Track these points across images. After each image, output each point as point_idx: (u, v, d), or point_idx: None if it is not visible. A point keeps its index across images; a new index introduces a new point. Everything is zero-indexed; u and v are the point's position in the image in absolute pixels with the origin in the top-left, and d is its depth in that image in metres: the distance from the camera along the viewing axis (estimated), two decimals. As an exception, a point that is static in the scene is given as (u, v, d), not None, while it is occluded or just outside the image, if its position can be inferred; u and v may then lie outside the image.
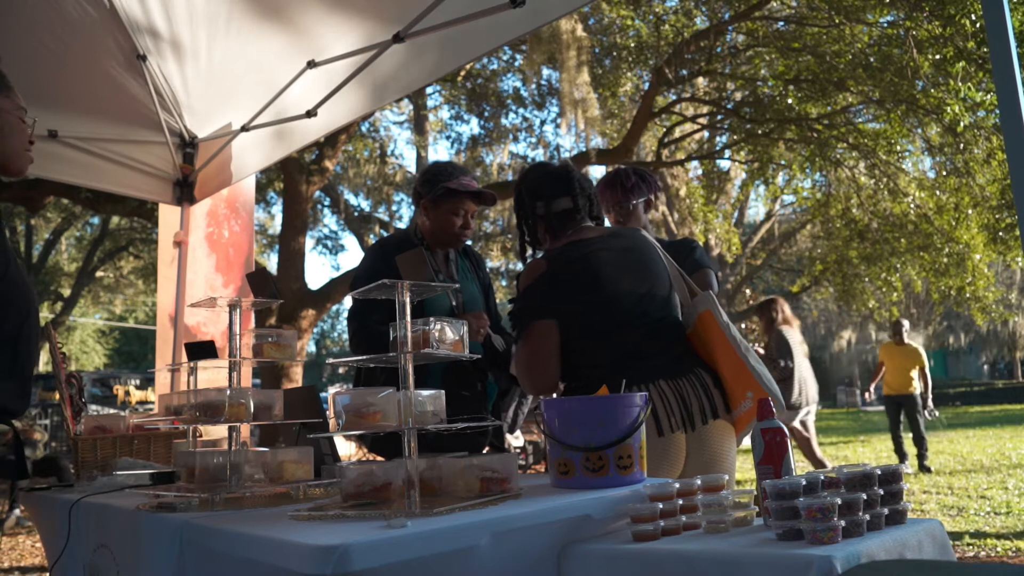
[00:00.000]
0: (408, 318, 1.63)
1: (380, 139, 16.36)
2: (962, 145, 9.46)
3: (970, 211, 10.16)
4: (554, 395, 2.30)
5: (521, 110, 15.69)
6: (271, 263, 16.64)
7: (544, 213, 2.33)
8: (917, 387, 8.93)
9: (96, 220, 19.28)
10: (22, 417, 2.20)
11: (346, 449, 10.19)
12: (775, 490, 1.40)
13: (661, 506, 1.53)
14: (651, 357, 2.19)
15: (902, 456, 8.97)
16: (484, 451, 2.76)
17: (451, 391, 1.77)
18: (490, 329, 2.73)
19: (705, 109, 12.25)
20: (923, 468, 8.79)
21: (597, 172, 18.63)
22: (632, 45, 10.71)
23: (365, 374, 2.56)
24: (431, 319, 1.67)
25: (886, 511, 1.45)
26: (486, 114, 15.40)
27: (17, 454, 2.09)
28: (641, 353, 2.18)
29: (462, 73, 12.67)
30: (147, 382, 20.43)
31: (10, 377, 2.10)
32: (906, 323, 9.49)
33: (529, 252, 2.42)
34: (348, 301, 2.86)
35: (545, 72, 14.34)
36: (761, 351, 6.93)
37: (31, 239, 21.14)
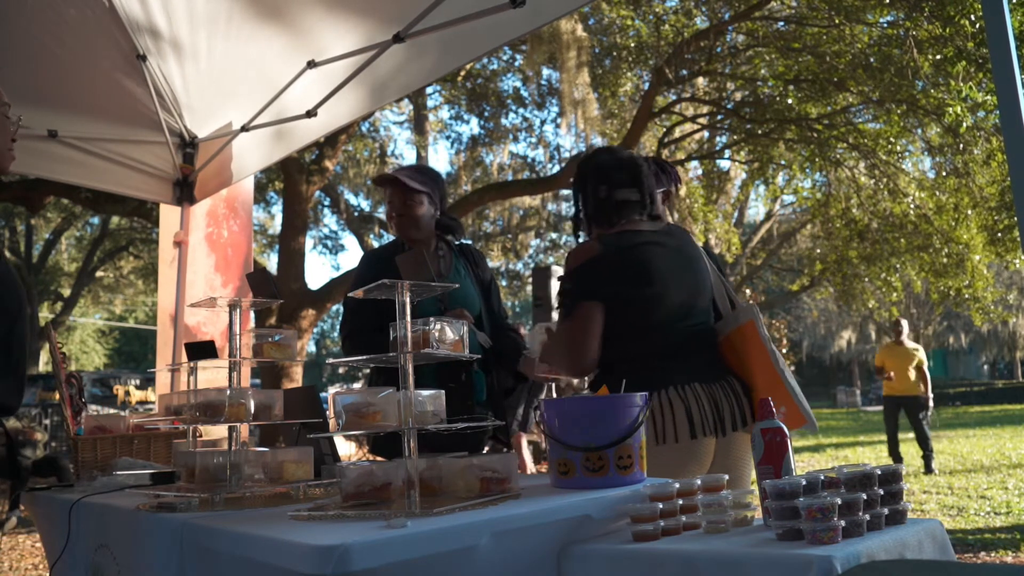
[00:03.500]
0: (408, 318, 1.63)
1: (380, 139, 16.37)
2: (962, 146, 9.46)
3: (969, 212, 10.17)
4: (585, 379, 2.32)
5: (521, 110, 15.71)
6: (271, 263, 16.63)
7: (605, 197, 2.31)
8: (919, 387, 8.81)
9: (96, 220, 19.29)
10: (21, 416, 2.21)
11: (346, 449, 10.19)
12: (775, 490, 1.40)
13: (661, 506, 1.52)
14: (687, 359, 2.20)
15: (897, 460, 8.82)
16: (485, 448, 2.75)
17: (439, 385, 1.78)
18: (485, 327, 2.73)
19: (705, 109, 12.25)
20: (928, 470, 8.72)
21: (597, 172, 18.61)
22: (632, 45, 10.71)
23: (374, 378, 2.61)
24: (431, 319, 1.68)
25: (886, 511, 1.45)
26: (486, 114, 15.40)
27: (10, 456, 2.08)
28: (677, 354, 2.20)
29: (462, 73, 12.66)
30: (147, 382, 20.43)
31: (4, 375, 2.10)
32: (905, 323, 9.42)
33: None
34: None
35: (545, 72, 14.36)
36: None
37: (31, 239, 21.14)
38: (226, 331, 1.99)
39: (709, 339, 2.29)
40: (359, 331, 2.64)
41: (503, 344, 2.75)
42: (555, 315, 2.61)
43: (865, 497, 1.40)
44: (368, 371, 2.84)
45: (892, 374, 8.94)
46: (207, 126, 4.15)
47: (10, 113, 2.16)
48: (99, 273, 22.62)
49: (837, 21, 9.10)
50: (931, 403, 8.87)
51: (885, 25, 9.35)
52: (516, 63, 13.68)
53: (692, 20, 10.61)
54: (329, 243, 20.99)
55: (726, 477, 1.68)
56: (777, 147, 11.27)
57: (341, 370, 34.21)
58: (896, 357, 8.97)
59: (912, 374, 8.83)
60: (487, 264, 2.92)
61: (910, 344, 9.12)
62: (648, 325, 2.19)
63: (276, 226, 17.23)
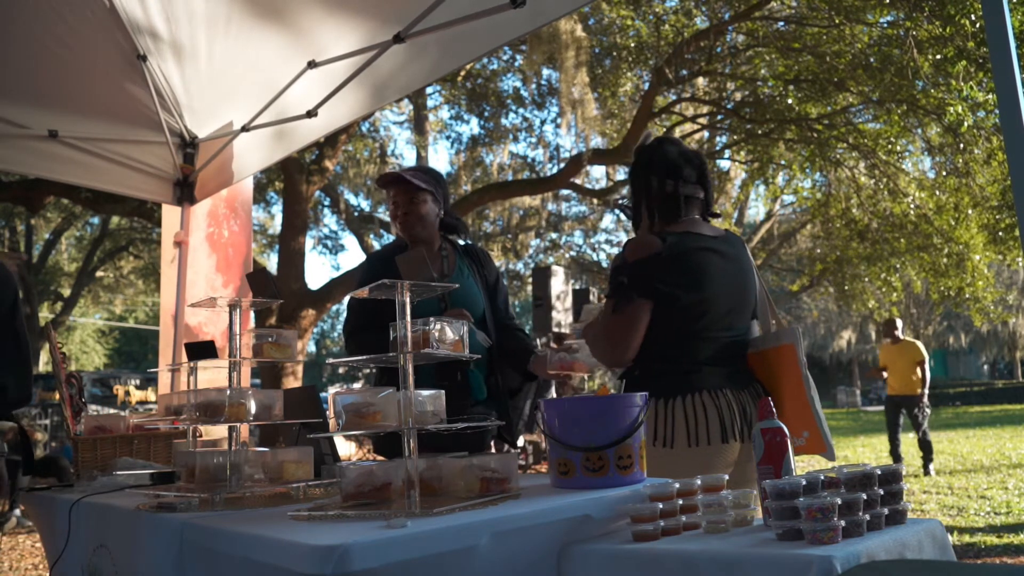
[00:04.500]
0: (408, 318, 1.64)
1: (380, 139, 16.36)
2: (962, 145, 9.46)
3: (970, 211, 10.16)
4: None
5: (521, 110, 15.70)
6: (271, 263, 16.63)
7: (672, 192, 2.28)
8: (919, 387, 8.76)
9: (96, 220, 19.28)
10: (21, 416, 2.24)
11: (346, 449, 10.20)
12: (775, 490, 1.40)
13: (661, 506, 1.52)
14: (720, 365, 2.21)
15: (897, 459, 8.83)
16: (489, 448, 2.75)
17: (436, 384, 1.79)
18: (490, 327, 2.73)
19: (705, 109, 12.25)
20: (926, 471, 8.70)
21: (597, 172, 18.65)
22: (632, 45, 10.70)
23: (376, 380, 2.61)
24: (431, 319, 1.68)
25: (886, 511, 1.45)
26: (486, 114, 15.39)
27: (24, 450, 2.11)
28: (712, 360, 2.21)
29: (462, 73, 12.66)
30: (147, 382, 20.45)
31: (16, 366, 2.12)
32: (900, 321, 9.36)
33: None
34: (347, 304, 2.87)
35: (545, 72, 14.35)
36: None
37: (31, 239, 21.14)
38: (226, 331, 2.00)
39: (743, 350, 2.31)
40: (360, 330, 2.65)
41: (511, 343, 2.75)
42: (556, 308, 2.62)
43: (865, 497, 1.40)
44: (368, 371, 2.85)
45: (885, 373, 8.89)
46: (207, 126, 4.15)
47: None
48: (99, 273, 22.60)
49: (837, 21, 9.09)
50: (925, 401, 8.78)
51: (885, 25, 9.35)
52: (516, 63, 13.68)
53: (692, 20, 10.60)
54: (329, 243, 20.95)
55: (726, 477, 1.68)
56: (777, 147, 11.27)
57: (341, 370, 34.22)
58: (896, 356, 8.91)
59: (913, 373, 8.78)
60: (494, 265, 2.91)
61: (907, 340, 9.06)
62: (692, 330, 2.20)
63: (276, 226, 17.21)
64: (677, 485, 1.60)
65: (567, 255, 20.20)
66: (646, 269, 2.19)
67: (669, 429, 2.15)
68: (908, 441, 9.30)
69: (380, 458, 2.71)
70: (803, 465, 8.05)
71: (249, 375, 4.34)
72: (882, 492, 1.45)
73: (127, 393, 19.36)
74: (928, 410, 8.86)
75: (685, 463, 2.07)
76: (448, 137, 24.96)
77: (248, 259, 4.60)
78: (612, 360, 2.29)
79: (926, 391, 8.80)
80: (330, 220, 19.36)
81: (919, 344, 9.04)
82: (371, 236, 17.25)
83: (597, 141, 13.30)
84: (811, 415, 2.20)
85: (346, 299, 2.76)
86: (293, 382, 9.33)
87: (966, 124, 8.63)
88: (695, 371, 2.18)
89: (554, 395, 2.91)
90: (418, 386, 1.65)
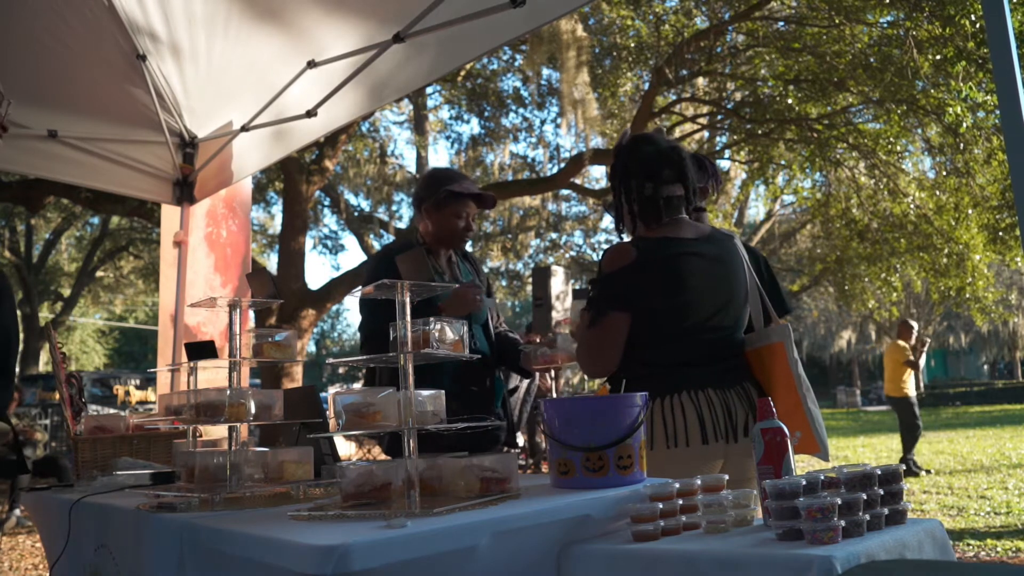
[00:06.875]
0: (408, 318, 1.63)
1: (380, 139, 16.35)
2: (962, 145, 9.46)
3: (970, 211, 10.17)
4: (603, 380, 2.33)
5: (521, 110, 15.70)
6: (271, 263, 16.63)
7: (651, 195, 2.25)
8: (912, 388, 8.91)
9: (96, 220, 19.29)
10: (21, 416, 2.25)
11: (346, 449, 10.19)
12: (775, 490, 1.40)
13: (661, 506, 1.52)
14: (705, 366, 2.19)
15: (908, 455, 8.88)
16: (500, 449, 2.76)
17: (462, 387, 1.78)
18: (490, 330, 2.75)
19: (705, 109, 12.24)
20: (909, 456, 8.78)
21: (597, 172, 18.64)
22: (632, 45, 10.70)
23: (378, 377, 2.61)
24: (431, 319, 1.68)
25: (886, 511, 1.45)
26: (486, 114, 15.38)
27: (17, 452, 2.12)
28: (696, 361, 2.19)
29: (462, 73, 12.66)
30: (147, 382, 20.42)
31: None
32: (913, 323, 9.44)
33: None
34: (348, 302, 2.88)
35: (545, 72, 14.35)
36: None
37: (31, 239, 21.15)
38: (226, 331, 2.00)
39: (732, 348, 2.28)
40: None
41: (505, 346, 2.77)
42: (556, 308, 2.61)
43: (865, 497, 1.40)
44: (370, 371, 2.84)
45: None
46: (207, 126, 4.15)
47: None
48: (99, 273, 22.62)
49: (837, 21, 9.09)
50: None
51: (885, 25, 9.35)
52: (516, 63, 13.67)
53: (692, 20, 10.61)
54: (329, 243, 20.94)
55: (726, 477, 1.67)
56: (777, 147, 11.27)
57: (341, 370, 34.22)
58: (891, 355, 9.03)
59: (904, 373, 8.91)
60: (482, 269, 2.96)
61: (899, 343, 9.21)
62: (672, 333, 2.19)
63: (276, 226, 17.22)
64: (677, 485, 1.60)
65: (567, 255, 20.21)
66: (620, 280, 2.19)
67: (648, 431, 2.13)
68: (896, 443, 9.32)
69: (382, 457, 2.72)
70: (803, 465, 8.04)
71: (248, 375, 4.34)
72: (882, 492, 1.45)
73: (127, 393, 19.33)
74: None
75: (665, 465, 2.06)
76: (448, 137, 24.89)
77: (246, 259, 4.60)
78: (594, 371, 2.29)
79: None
80: (330, 220, 19.36)
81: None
82: (371, 236, 17.24)
83: (597, 141, 13.29)
84: (803, 414, 2.18)
85: (347, 299, 2.75)
86: (292, 383, 9.33)
87: (966, 124, 8.64)
88: (675, 373, 2.16)
89: (554, 394, 2.91)
90: (434, 387, 1.65)
